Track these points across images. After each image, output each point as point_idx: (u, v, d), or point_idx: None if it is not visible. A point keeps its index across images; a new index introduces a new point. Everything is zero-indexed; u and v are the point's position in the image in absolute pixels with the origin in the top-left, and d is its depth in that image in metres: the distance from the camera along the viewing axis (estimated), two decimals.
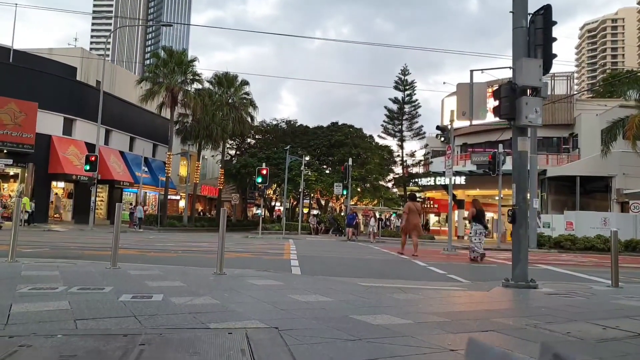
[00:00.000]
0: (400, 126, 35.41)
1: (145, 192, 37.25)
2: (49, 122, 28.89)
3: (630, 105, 25.49)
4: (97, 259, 8.97)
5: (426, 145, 39.91)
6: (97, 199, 29.62)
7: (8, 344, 3.05)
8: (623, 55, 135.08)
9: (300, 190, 34.19)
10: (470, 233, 14.27)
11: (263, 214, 40.04)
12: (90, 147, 28.86)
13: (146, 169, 35.14)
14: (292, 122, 46.86)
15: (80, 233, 21.91)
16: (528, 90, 7.39)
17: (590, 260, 16.35)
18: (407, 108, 35.27)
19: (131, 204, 36.37)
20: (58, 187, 32.01)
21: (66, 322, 3.68)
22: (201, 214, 45.78)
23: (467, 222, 14.41)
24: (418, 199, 23.57)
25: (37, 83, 28.44)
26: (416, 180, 36.75)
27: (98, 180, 26.37)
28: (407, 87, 34.93)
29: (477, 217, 13.73)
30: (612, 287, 7.68)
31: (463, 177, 33.29)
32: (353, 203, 40.03)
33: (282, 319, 4.20)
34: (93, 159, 24.80)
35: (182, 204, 43.25)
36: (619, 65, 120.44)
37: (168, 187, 34.02)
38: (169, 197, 35.50)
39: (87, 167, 24.86)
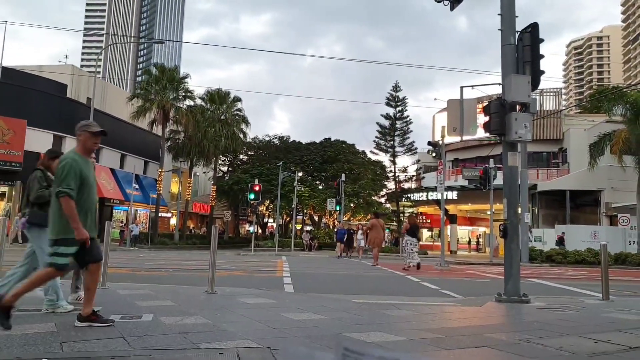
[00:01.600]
0: (392, 142, 35.59)
1: (136, 210, 36.97)
2: (38, 140, 28.67)
3: (616, 121, 25.88)
4: None
5: (418, 161, 40.11)
6: None
7: None
8: (609, 72, 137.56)
9: (293, 206, 34.11)
10: (404, 244, 16.28)
11: (255, 230, 39.86)
12: None
13: (137, 186, 34.91)
14: (284, 138, 46.96)
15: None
16: (517, 106, 7.48)
17: (581, 273, 16.41)
18: (398, 124, 35.50)
19: (122, 222, 36.05)
20: None
21: (52, 345, 3.60)
22: (192, 231, 45.44)
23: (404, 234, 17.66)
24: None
25: (26, 100, 28.31)
26: (408, 195, 36.84)
27: None
28: (399, 104, 35.21)
29: (411, 230, 15.84)
30: (603, 300, 7.70)
31: (455, 192, 33.43)
32: (346, 219, 40.00)
33: (274, 338, 4.15)
34: None
35: (173, 221, 42.94)
36: (605, 82, 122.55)
37: (159, 204, 33.80)
38: (160, 214, 35.24)
39: None
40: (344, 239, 25.13)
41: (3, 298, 4.03)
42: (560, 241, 24.63)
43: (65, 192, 4.09)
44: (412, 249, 15.46)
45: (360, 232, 25.51)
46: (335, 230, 30.35)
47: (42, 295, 5.26)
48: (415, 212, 35.31)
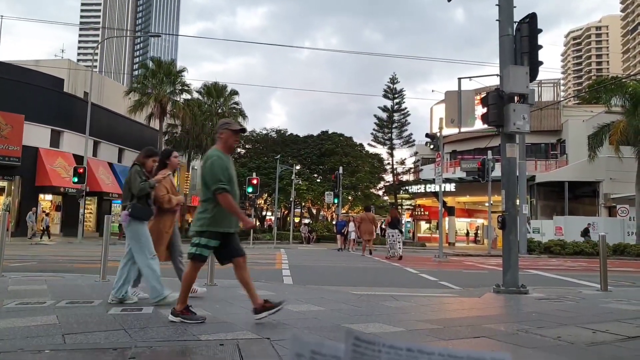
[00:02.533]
0: (389, 134, 35.56)
1: None
2: (36, 134, 28.61)
3: (615, 112, 25.88)
4: (86, 272, 8.86)
5: (416, 153, 40.11)
6: (86, 211, 29.32)
7: None
8: (607, 62, 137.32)
9: (291, 199, 34.14)
10: (386, 236, 17.54)
11: (254, 223, 39.85)
12: (79, 159, 28.61)
13: None
14: (282, 132, 46.88)
15: (69, 246, 21.64)
16: (515, 98, 7.46)
17: (580, 264, 16.48)
18: (396, 116, 35.46)
19: (120, 215, 36.06)
20: (46, 199, 31.64)
21: (54, 337, 3.62)
22: (191, 224, 45.45)
23: (386, 227, 18.65)
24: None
25: (23, 95, 28.18)
26: (406, 187, 36.86)
27: (86, 192, 26.12)
28: (396, 96, 35.14)
29: (392, 223, 17.03)
30: (602, 291, 7.74)
31: (453, 184, 33.47)
32: (344, 211, 40.04)
33: (274, 329, 4.17)
34: (81, 170, 24.57)
35: None
36: (604, 72, 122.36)
37: None
38: None
39: (76, 179, 24.62)
40: (344, 231, 24.62)
41: (174, 309, 4.28)
42: (586, 232, 24.10)
43: (221, 188, 4.22)
44: (393, 241, 16.63)
45: (352, 224, 24.52)
46: (335, 222, 30.04)
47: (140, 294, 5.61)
48: (396, 205, 35.42)
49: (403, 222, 42.14)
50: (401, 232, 17.65)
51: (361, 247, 19.65)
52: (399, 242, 16.69)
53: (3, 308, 4.76)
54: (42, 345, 3.36)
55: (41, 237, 25.50)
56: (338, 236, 25.06)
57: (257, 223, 45.45)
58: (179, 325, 4.17)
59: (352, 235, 23.97)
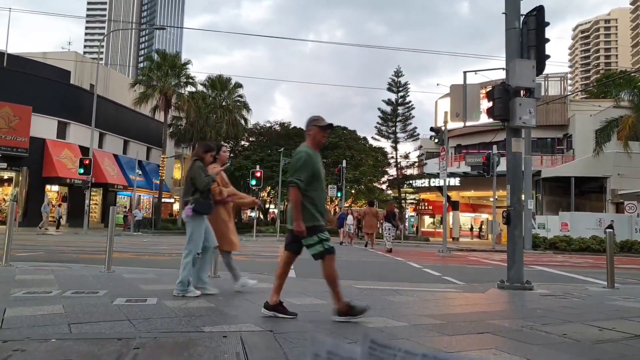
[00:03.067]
0: (394, 128, 35.43)
1: (139, 195, 37.10)
2: (43, 126, 28.75)
3: (624, 106, 25.64)
4: (91, 262, 8.91)
5: (420, 147, 39.99)
6: (91, 202, 29.47)
7: (2, 348, 3.02)
8: (616, 55, 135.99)
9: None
10: (383, 230, 18.36)
11: (257, 216, 39.96)
12: (84, 150, 28.73)
13: (140, 172, 35.01)
14: (286, 125, 46.81)
15: (75, 236, 21.77)
16: (521, 91, 7.41)
17: (586, 261, 16.41)
18: (400, 110, 35.30)
19: (125, 207, 36.22)
20: (52, 190, 31.82)
21: (60, 326, 3.65)
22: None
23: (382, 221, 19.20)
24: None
25: (31, 87, 28.30)
26: (410, 181, 36.78)
27: (92, 183, 26.24)
28: (401, 89, 34.96)
29: (388, 217, 17.73)
30: (608, 288, 7.70)
31: (457, 179, 33.37)
32: (347, 205, 40.05)
33: (277, 322, 4.18)
34: (87, 162, 24.68)
35: (176, 206, 43.08)
36: (612, 66, 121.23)
37: (162, 190, 33.90)
38: (163, 200, 35.37)
39: (81, 171, 24.74)
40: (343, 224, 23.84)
41: (336, 309, 4.34)
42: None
43: (295, 182, 4.28)
44: (388, 233, 17.55)
45: (350, 217, 23.73)
46: (337, 216, 29.49)
47: (251, 283, 5.88)
48: (399, 199, 35.45)
49: (407, 216, 42.25)
50: (395, 226, 18.30)
51: (363, 240, 19.77)
52: (391, 236, 17.60)
53: (10, 297, 4.80)
54: (48, 334, 3.38)
55: (57, 227, 25.66)
56: (340, 230, 24.39)
57: (261, 216, 45.56)
58: (182, 317, 4.19)
59: (350, 229, 23.41)
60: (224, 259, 6.11)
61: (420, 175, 37.16)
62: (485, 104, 8.02)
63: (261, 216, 45.79)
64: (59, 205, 28.62)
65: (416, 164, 38.44)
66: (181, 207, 5.55)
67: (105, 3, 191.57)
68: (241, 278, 5.97)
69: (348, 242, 23.01)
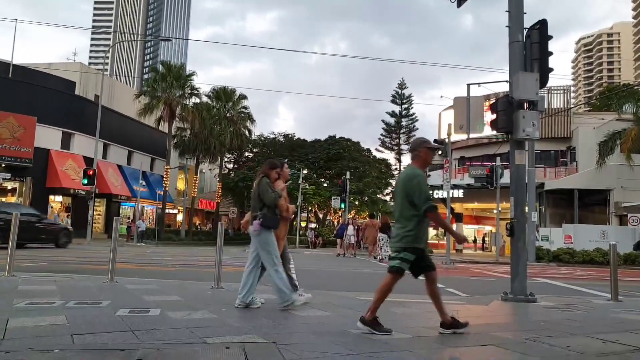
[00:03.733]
0: (397, 139, 35.59)
1: (143, 206, 37.17)
2: (48, 136, 28.92)
3: (627, 119, 25.65)
4: (94, 273, 8.92)
5: None
6: (95, 212, 29.54)
7: (5, 359, 3.02)
8: (619, 69, 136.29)
9: (297, 203, 34.15)
10: (378, 239, 19.21)
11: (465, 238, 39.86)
12: (88, 161, 28.86)
13: (144, 183, 35.10)
14: (289, 136, 47.03)
15: (78, 247, 21.79)
16: (525, 104, 7.43)
17: (589, 273, 16.31)
18: (404, 121, 35.50)
19: (129, 217, 36.27)
20: (56, 200, 31.92)
21: (63, 337, 3.65)
22: (199, 227, 45.62)
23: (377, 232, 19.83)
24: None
25: (36, 97, 28.53)
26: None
27: (96, 194, 26.33)
28: (405, 101, 35.19)
29: (383, 228, 18.84)
30: (612, 300, 7.65)
31: (461, 191, 33.31)
32: (351, 217, 40.02)
33: (280, 333, 4.17)
34: (91, 172, 24.78)
35: (179, 217, 43.12)
36: (615, 79, 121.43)
37: (166, 200, 33.95)
38: (166, 210, 35.42)
39: (85, 181, 24.84)
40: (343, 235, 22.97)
41: (364, 317, 4.45)
42: (638, 246, 22.96)
43: (434, 206, 4.47)
44: (383, 244, 18.48)
45: (350, 227, 23.17)
46: (338, 227, 28.56)
47: (301, 298, 5.89)
48: (383, 212, 35.52)
49: None
50: (390, 237, 18.43)
51: (367, 252, 20.13)
52: (386, 246, 18.27)
53: (13, 307, 4.81)
54: (51, 345, 3.39)
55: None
56: (338, 240, 23.51)
57: None
58: (185, 328, 4.19)
59: (351, 240, 22.80)
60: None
61: None
62: (489, 116, 8.04)
63: None
64: (68, 217, 28.56)
65: None
66: (250, 222, 5.67)
67: (111, 15, 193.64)
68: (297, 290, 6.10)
69: (352, 255, 22.57)
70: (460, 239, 4.84)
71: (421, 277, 4.64)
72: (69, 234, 19.97)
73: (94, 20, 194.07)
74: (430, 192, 30.31)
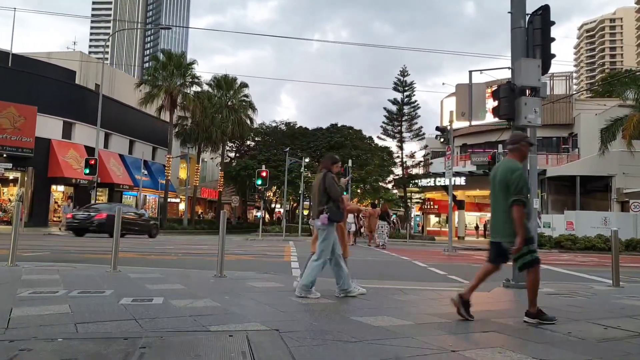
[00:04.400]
0: (399, 127, 35.34)
1: (145, 195, 37.25)
2: (49, 126, 28.90)
3: (629, 105, 25.50)
4: (97, 262, 8.96)
5: (426, 146, 39.87)
6: (97, 202, 29.60)
7: (9, 348, 3.04)
8: (621, 55, 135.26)
9: (300, 192, 34.19)
10: (376, 227, 19.85)
11: (263, 216, 40.04)
12: (90, 150, 28.86)
13: (146, 172, 35.14)
14: (291, 124, 46.90)
15: (80, 236, 21.87)
16: (527, 91, 7.39)
17: (591, 260, 16.34)
18: (406, 109, 35.19)
19: (318, 219, 36.16)
20: (58, 190, 31.99)
21: (67, 326, 3.68)
22: (201, 216, 45.76)
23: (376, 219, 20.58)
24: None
25: (36, 87, 28.45)
26: (416, 181, 36.69)
27: (98, 183, 26.35)
28: (407, 88, 34.87)
29: (382, 216, 19.73)
30: (613, 286, 7.67)
31: (463, 178, 33.29)
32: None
33: (283, 321, 4.19)
34: (92, 162, 24.79)
35: (182, 206, 43.25)
36: (618, 65, 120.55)
37: (168, 189, 34.03)
38: (168, 199, 35.50)
39: (87, 171, 24.86)
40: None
41: (462, 296, 4.64)
42: None
43: (522, 201, 4.49)
44: (382, 231, 19.34)
45: (351, 215, 22.00)
46: None
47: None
48: (405, 198, 35.57)
49: (412, 215, 42.22)
50: (389, 224, 20.38)
51: (366, 239, 20.77)
52: (385, 233, 19.37)
53: (17, 297, 4.83)
54: (54, 334, 3.41)
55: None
56: None
57: (267, 215, 45.65)
58: (188, 316, 4.21)
59: (352, 228, 21.90)
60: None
61: (426, 175, 37.08)
62: (491, 103, 8.00)
63: (267, 216, 45.88)
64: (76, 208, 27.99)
65: (422, 164, 38.34)
66: (315, 215, 5.82)
67: (110, 3, 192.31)
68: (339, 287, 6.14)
69: (352, 243, 21.50)
70: (521, 245, 4.53)
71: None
72: (157, 227, 23.63)
73: (93, 9, 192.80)
74: (432, 179, 30.44)
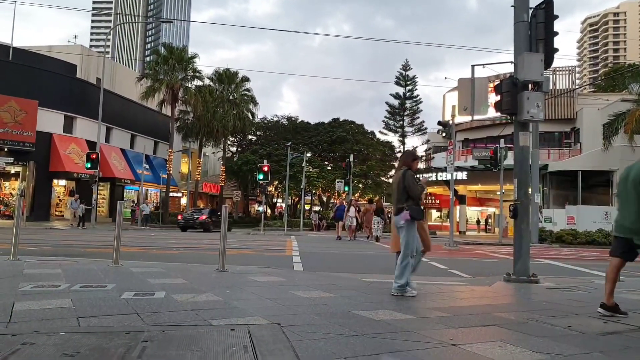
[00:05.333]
0: (401, 122, 35.35)
1: (147, 190, 37.30)
2: (50, 120, 28.90)
3: (631, 99, 25.39)
4: (99, 256, 8.99)
5: (428, 141, 39.86)
6: (99, 196, 29.65)
7: (11, 341, 3.06)
8: (625, 49, 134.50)
9: (301, 186, 34.21)
10: (373, 222, 20.79)
11: (265, 210, 40.11)
12: (91, 144, 28.88)
13: (147, 167, 35.16)
14: (293, 119, 46.86)
15: (82, 231, 21.95)
16: (530, 85, 7.37)
17: (592, 254, 16.35)
18: (408, 103, 35.18)
19: (133, 201, 36.41)
20: (59, 185, 32.04)
21: (69, 320, 3.69)
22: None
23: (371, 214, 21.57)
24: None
25: (37, 81, 28.42)
26: (417, 176, 36.64)
27: (99, 177, 26.37)
28: (409, 83, 34.84)
29: (377, 211, 20.66)
30: None
31: (465, 173, 33.23)
32: (354, 198, 40.05)
33: (285, 315, 4.20)
34: (94, 156, 24.80)
35: (183, 201, 43.30)
36: (621, 60, 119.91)
37: (169, 184, 34.05)
38: (170, 194, 35.54)
39: (88, 165, 24.88)
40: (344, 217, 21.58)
41: (605, 305, 4.77)
42: None
43: None
44: (377, 225, 20.39)
45: (352, 208, 21.48)
46: (335, 208, 26.22)
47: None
48: (379, 196, 35.71)
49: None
50: (383, 219, 21.11)
51: (351, 234, 21.34)
52: (380, 227, 20.39)
53: (19, 291, 4.85)
54: (57, 328, 3.43)
55: (81, 225, 24.63)
56: (338, 223, 22.01)
57: (268, 210, 45.70)
58: (190, 310, 4.23)
59: (353, 222, 21.35)
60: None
61: (428, 169, 37.07)
62: (493, 98, 7.98)
63: (268, 210, 45.93)
64: (82, 202, 27.61)
65: (423, 158, 38.31)
66: (395, 213, 5.78)
67: None
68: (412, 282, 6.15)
69: (351, 238, 21.31)
70: None
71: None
72: (213, 223, 25.95)
73: (94, 2, 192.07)
74: (434, 174, 30.36)
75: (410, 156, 6.07)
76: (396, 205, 5.72)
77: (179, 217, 27.77)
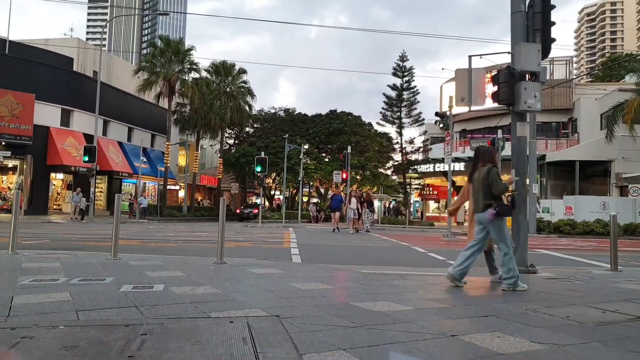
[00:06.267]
0: (399, 113, 35.17)
1: (145, 183, 37.24)
2: (47, 114, 28.76)
3: (629, 89, 25.39)
4: (97, 250, 8.99)
5: (425, 132, 39.72)
6: (97, 190, 29.60)
7: (10, 335, 3.06)
8: (622, 39, 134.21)
9: (299, 178, 34.19)
10: (362, 213, 21.26)
11: (263, 202, 40.11)
12: (89, 138, 28.78)
13: (145, 159, 35.06)
14: (290, 111, 46.71)
15: (81, 224, 21.94)
16: (527, 75, 7.35)
17: (590, 244, 16.41)
18: (405, 94, 34.99)
19: (130, 194, 36.37)
20: (57, 178, 31.96)
21: (68, 313, 3.69)
22: (201, 203, 45.79)
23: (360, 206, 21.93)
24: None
25: (33, 74, 28.25)
26: (415, 167, 36.65)
27: (97, 171, 26.31)
28: (406, 74, 34.64)
29: (367, 204, 21.74)
30: (612, 271, 7.71)
31: (462, 163, 33.29)
32: (353, 189, 40.06)
33: (283, 307, 4.21)
34: (91, 149, 24.73)
35: (181, 194, 43.25)
36: (618, 49, 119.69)
37: (167, 177, 33.99)
38: (168, 187, 35.49)
39: (86, 158, 24.81)
40: (340, 208, 21.05)
41: None
42: None
43: None
44: (367, 217, 21.42)
45: (354, 200, 20.48)
46: (330, 197, 25.18)
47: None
48: (405, 184, 35.71)
49: (412, 201, 42.30)
50: (372, 211, 22.73)
51: (352, 226, 20.61)
52: (369, 219, 21.48)
53: (18, 285, 4.85)
54: (56, 321, 3.43)
55: (82, 218, 24.99)
56: (334, 214, 21.10)
57: (266, 202, 45.70)
58: (189, 303, 4.23)
59: (355, 214, 20.39)
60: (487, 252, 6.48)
61: (425, 161, 37.05)
62: (491, 88, 7.96)
63: (266, 202, 45.93)
64: (83, 195, 27.37)
65: (421, 149, 38.23)
66: (479, 209, 5.84)
67: None
68: (498, 272, 6.30)
69: (353, 230, 20.26)
70: None
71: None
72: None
73: None
74: (432, 165, 30.58)
75: (494, 152, 6.11)
76: (481, 202, 5.76)
77: (238, 211, 36.74)
